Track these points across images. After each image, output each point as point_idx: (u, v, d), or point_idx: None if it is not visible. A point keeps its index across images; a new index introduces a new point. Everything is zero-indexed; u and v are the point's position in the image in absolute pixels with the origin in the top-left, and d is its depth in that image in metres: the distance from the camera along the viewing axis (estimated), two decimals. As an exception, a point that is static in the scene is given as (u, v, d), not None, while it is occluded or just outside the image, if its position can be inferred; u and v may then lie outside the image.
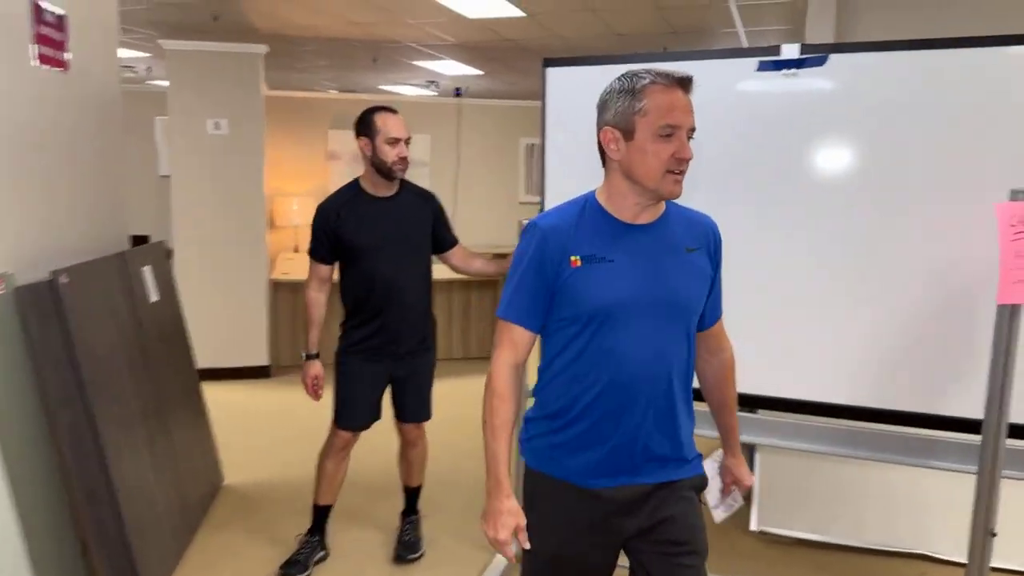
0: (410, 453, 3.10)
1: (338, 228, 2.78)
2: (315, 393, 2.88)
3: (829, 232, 2.41)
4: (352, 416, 2.88)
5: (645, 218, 1.63)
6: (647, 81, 1.52)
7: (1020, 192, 2.01)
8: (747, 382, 2.55)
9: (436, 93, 10.39)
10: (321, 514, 3.03)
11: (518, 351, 1.62)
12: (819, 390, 2.47)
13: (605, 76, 2.67)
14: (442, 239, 2.98)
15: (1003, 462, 2.13)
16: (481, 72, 8.59)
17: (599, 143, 1.62)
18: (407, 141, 2.77)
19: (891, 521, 3.10)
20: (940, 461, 2.41)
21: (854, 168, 2.38)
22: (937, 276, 2.31)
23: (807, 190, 2.42)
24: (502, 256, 3.76)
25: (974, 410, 2.24)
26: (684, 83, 1.53)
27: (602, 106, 1.61)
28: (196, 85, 5.28)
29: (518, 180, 7.92)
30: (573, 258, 1.57)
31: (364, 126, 2.76)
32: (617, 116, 1.56)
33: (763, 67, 2.40)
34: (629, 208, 1.61)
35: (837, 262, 2.41)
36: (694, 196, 2.54)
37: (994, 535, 2.16)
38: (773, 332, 2.50)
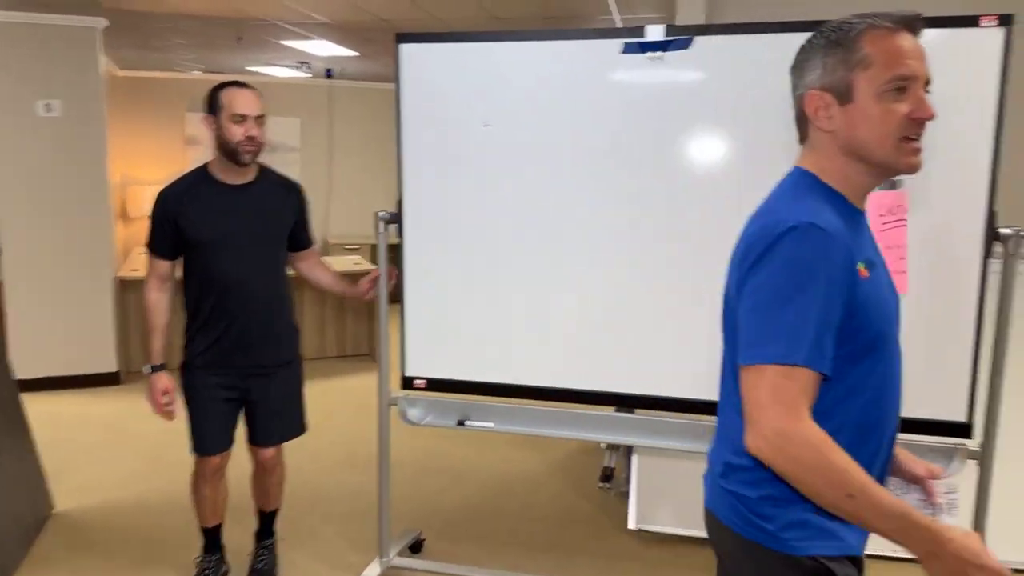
0: (265, 480, 2.75)
1: (179, 218, 2.44)
2: (167, 411, 2.52)
3: (696, 222, 2.30)
4: (210, 438, 2.55)
5: (864, 203, 1.30)
6: (864, 26, 1.19)
7: (889, 182, 1.94)
8: (622, 382, 2.43)
9: (310, 75, 9.91)
10: (212, 533, 2.74)
11: (812, 405, 1.15)
12: (705, 388, 2.37)
13: (465, 54, 2.50)
14: (298, 238, 2.68)
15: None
16: (356, 53, 8.23)
17: (799, 112, 1.27)
18: (259, 119, 2.44)
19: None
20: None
21: (723, 155, 2.28)
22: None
23: (673, 178, 2.30)
24: (363, 273, 3.45)
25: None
26: (912, 24, 1.19)
27: (801, 66, 1.26)
28: (20, 62, 4.70)
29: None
30: (860, 266, 1.17)
31: (209, 103, 2.45)
32: (827, 75, 1.21)
33: (628, 49, 2.26)
34: (859, 193, 1.25)
35: (708, 253, 2.30)
36: (554, 185, 2.39)
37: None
38: (650, 328, 2.38)
